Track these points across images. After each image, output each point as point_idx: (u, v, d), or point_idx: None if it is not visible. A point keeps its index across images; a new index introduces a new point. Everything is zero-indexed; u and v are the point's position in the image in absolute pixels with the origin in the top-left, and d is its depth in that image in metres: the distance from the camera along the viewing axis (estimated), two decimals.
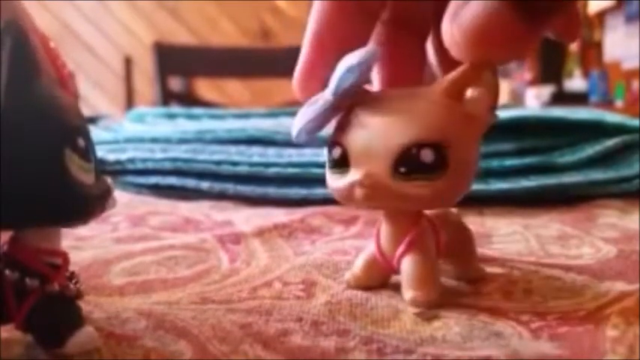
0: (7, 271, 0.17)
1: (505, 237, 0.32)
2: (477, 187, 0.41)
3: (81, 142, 0.17)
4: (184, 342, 0.18)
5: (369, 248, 0.23)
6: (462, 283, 0.24)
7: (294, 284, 0.24)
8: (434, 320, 0.20)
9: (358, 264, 0.24)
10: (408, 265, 0.22)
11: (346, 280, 0.24)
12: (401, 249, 0.22)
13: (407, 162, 0.20)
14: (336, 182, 0.22)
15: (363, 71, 0.20)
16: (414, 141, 0.20)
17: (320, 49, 0.23)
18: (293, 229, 0.34)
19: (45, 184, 0.16)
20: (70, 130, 0.17)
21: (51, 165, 0.16)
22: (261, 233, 0.33)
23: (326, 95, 0.21)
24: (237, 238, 0.32)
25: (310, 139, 0.22)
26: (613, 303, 0.21)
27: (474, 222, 0.36)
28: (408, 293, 0.22)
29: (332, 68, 0.21)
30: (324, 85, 0.22)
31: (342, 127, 0.22)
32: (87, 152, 0.17)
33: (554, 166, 0.43)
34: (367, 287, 0.23)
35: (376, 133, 0.21)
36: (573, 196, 0.42)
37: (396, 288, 0.23)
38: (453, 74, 0.21)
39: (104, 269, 0.26)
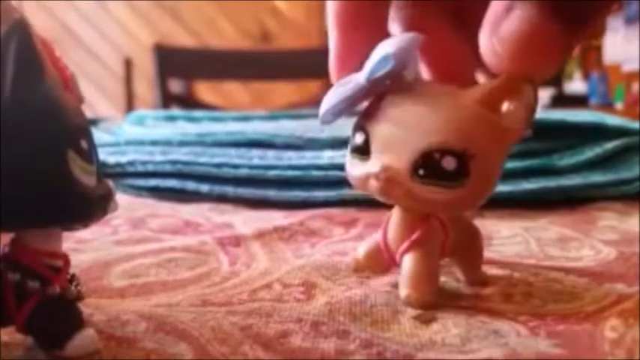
0: (8, 273, 0.17)
1: (505, 239, 0.32)
2: None
3: (84, 143, 0.17)
4: (184, 344, 0.19)
5: (375, 236, 0.23)
6: (462, 285, 0.24)
7: (294, 286, 0.24)
8: (432, 323, 0.20)
9: (361, 249, 0.24)
10: (408, 263, 0.22)
11: (347, 263, 0.24)
12: (405, 245, 0.22)
13: (427, 165, 0.19)
14: (354, 169, 0.21)
15: (399, 60, 0.20)
16: (439, 145, 0.19)
17: (347, 29, 0.22)
18: (293, 231, 0.34)
19: (47, 186, 0.16)
20: (74, 131, 0.17)
21: (54, 166, 0.16)
22: (261, 236, 0.33)
23: (359, 79, 0.21)
24: (237, 241, 0.32)
25: (335, 119, 0.22)
26: (612, 305, 0.21)
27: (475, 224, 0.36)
28: (403, 291, 0.21)
29: (366, 47, 0.20)
30: (359, 67, 0.21)
31: (369, 113, 0.21)
32: (89, 154, 0.17)
33: (554, 168, 0.43)
34: (367, 273, 0.23)
35: (401, 128, 0.20)
36: (573, 199, 0.42)
37: (396, 288, 0.23)
38: (490, 83, 0.20)
39: (104, 272, 0.26)
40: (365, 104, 0.22)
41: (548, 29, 0.18)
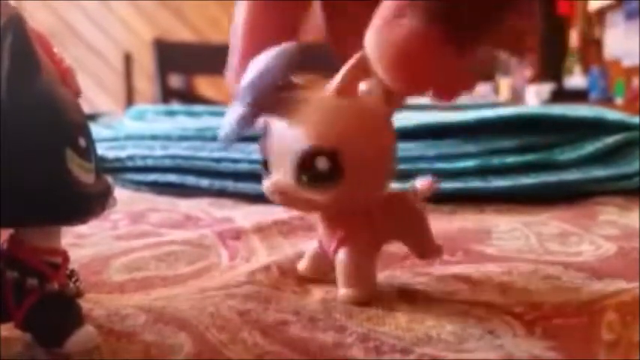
0: (6, 271, 0.17)
1: (505, 234, 0.32)
2: (477, 184, 0.41)
3: (82, 141, 0.17)
4: (184, 334, 0.19)
5: (315, 243, 0.24)
6: (461, 281, 0.24)
7: (291, 277, 0.24)
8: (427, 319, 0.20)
9: (307, 255, 0.24)
10: (339, 263, 0.22)
11: (298, 269, 0.24)
12: (332, 246, 0.22)
13: (306, 171, 0.20)
14: (264, 184, 0.22)
15: (262, 85, 0.20)
16: (308, 149, 0.20)
17: (252, 42, 0.22)
18: (293, 225, 0.34)
19: (46, 185, 0.16)
20: (72, 129, 0.17)
21: (52, 165, 0.16)
22: (260, 230, 0.33)
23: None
24: (237, 235, 0.32)
25: (235, 142, 0.22)
26: (610, 299, 0.21)
27: (474, 219, 0.36)
28: (340, 290, 0.22)
29: None
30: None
31: (264, 132, 0.22)
32: (88, 152, 0.17)
33: (554, 163, 0.43)
34: (314, 277, 0.24)
35: (281, 142, 0.21)
36: (573, 194, 0.42)
37: (391, 285, 0.23)
38: (342, 71, 0.20)
39: (104, 266, 0.26)
40: (260, 122, 0.22)
41: (432, 42, 0.16)
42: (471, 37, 0.17)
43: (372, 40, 0.17)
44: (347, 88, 0.20)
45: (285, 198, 0.21)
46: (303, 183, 0.20)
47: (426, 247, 0.25)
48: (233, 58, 0.22)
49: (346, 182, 0.20)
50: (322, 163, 0.20)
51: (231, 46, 0.22)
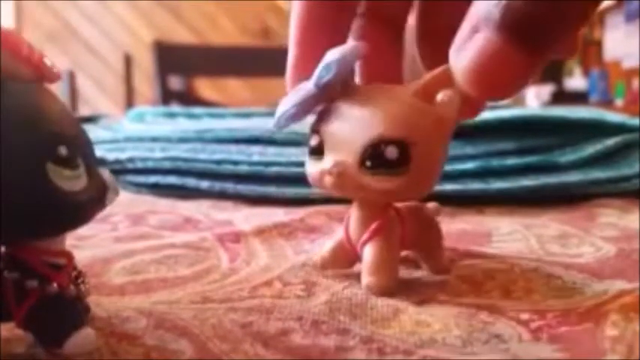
0: (7, 271, 0.17)
1: (505, 236, 0.32)
2: (477, 186, 0.41)
3: (62, 150, 0.16)
4: (185, 341, 0.19)
5: (339, 233, 0.25)
6: (463, 281, 0.24)
7: (294, 284, 0.24)
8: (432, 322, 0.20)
9: (327, 247, 0.25)
10: (368, 252, 0.23)
11: (314, 262, 0.25)
12: (365, 236, 0.23)
13: (372, 157, 0.21)
14: (311, 168, 0.23)
15: (341, 68, 0.21)
16: (380, 137, 0.21)
17: (307, 44, 0.24)
18: (293, 228, 0.34)
19: (30, 202, 0.16)
20: (50, 140, 0.16)
21: (34, 183, 0.16)
22: (261, 232, 0.33)
23: (308, 85, 0.22)
24: (237, 238, 0.31)
25: (288, 124, 0.24)
26: (613, 300, 0.21)
27: (475, 221, 0.36)
28: (364, 278, 0.23)
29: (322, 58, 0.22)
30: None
31: (322, 117, 0.23)
32: (71, 159, 0.17)
33: (554, 165, 0.43)
34: (333, 269, 0.25)
35: (348, 126, 0.22)
36: (574, 196, 0.42)
37: (397, 289, 0.23)
38: (426, 77, 0.22)
39: (104, 268, 0.26)
40: (318, 109, 0.24)
41: (508, 56, 0.18)
42: (544, 44, 0.18)
43: (453, 55, 0.19)
44: (425, 93, 0.21)
45: (342, 180, 0.22)
46: (366, 168, 0.21)
47: (438, 263, 0.25)
48: (292, 60, 0.25)
49: (409, 175, 0.21)
50: (391, 152, 0.21)
51: (290, 48, 0.25)
